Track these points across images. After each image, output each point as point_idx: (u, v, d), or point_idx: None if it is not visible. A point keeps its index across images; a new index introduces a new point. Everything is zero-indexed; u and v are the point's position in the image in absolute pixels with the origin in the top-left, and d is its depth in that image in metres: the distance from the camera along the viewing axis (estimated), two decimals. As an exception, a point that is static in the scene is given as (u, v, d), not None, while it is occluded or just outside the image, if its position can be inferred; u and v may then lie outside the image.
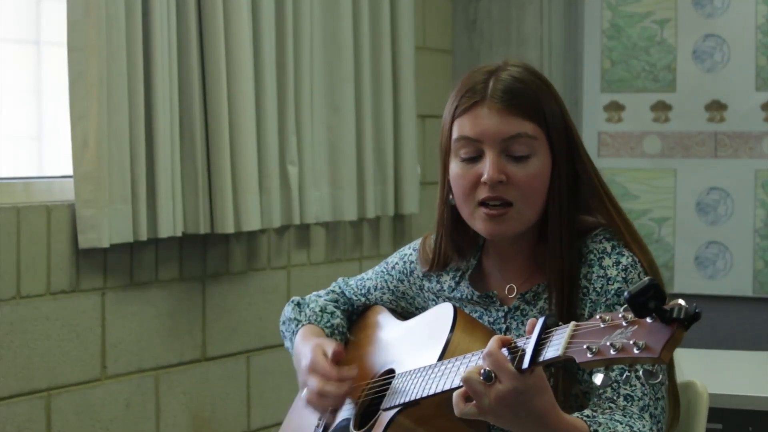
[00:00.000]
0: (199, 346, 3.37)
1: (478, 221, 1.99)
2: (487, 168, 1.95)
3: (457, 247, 2.09)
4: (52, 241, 2.96)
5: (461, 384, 1.74)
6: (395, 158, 3.92)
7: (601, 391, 1.87)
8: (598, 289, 1.94)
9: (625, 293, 1.53)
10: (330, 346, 2.12)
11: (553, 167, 1.98)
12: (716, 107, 4.09)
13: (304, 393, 2.12)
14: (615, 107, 4.20)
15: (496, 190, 1.95)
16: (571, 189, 2.00)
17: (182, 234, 3.22)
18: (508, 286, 2.05)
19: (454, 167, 2.01)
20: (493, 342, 1.70)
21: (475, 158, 1.98)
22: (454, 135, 2.01)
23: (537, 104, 1.97)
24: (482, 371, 1.69)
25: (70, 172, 3.00)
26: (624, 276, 1.93)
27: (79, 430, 3.04)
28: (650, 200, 4.17)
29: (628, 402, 1.85)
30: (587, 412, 1.84)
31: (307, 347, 2.16)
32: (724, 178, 4.08)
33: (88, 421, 3.06)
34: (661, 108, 4.16)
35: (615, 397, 1.86)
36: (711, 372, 3.12)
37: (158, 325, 3.24)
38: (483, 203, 1.97)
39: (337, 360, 2.10)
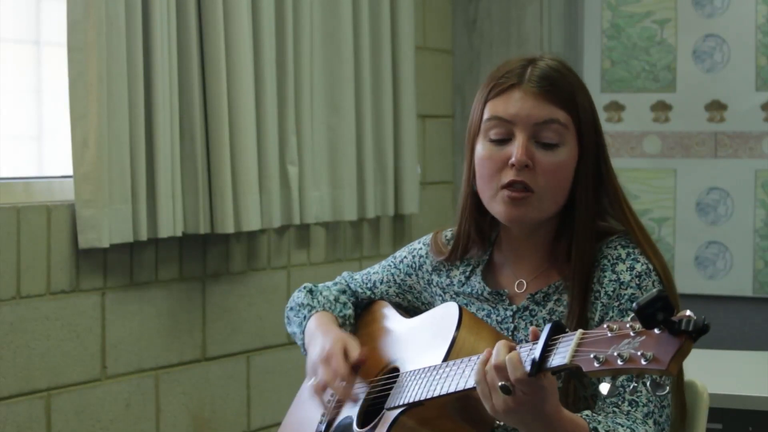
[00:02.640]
0: (199, 346, 3.37)
1: (498, 204, 1.98)
2: (516, 150, 1.95)
3: (480, 233, 2.08)
4: (52, 241, 2.96)
5: (467, 387, 1.76)
6: (395, 158, 3.92)
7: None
8: (610, 293, 1.94)
9: (634, 304, 1.52)
10: (354, 347, 2.11)
11: (580, 161, 1.99)
12: (716, 107, 4.09)
13: (311, 381, 2.12)
14: (615, 107, 4.20)
15: (522, 174, 1.95)
16: (596, 185, 2.00)
17: (182, 234, 3.22)
18: (517, 282, 2.05)
19: (481, 148, 2.00)
20: (501, 346, 1.72)
21: (504, 141, 1.98)
22: (486, 115, 2.00)
23: (571, 95, 1.98)
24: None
25: (70, 172, 3.00)
26: (638, 282, 1.93)
27: (79, 430, 3.04)
28: (650, 200, 4.17)
29: (632, 407, 1.86)
30: (587, 411, 1.85)
31: (327, 337, 2.14)
32: (724, 178, 4.08)
33: (88, 421, 3.06)
34: (661, 108, 4.16)
35: (620, 402, 1.87)
36: (711, 372, 3.11)
37: (158, 325, 3.24)
38: (509, 185, 1.96)
39: (356, 366, 2.09)
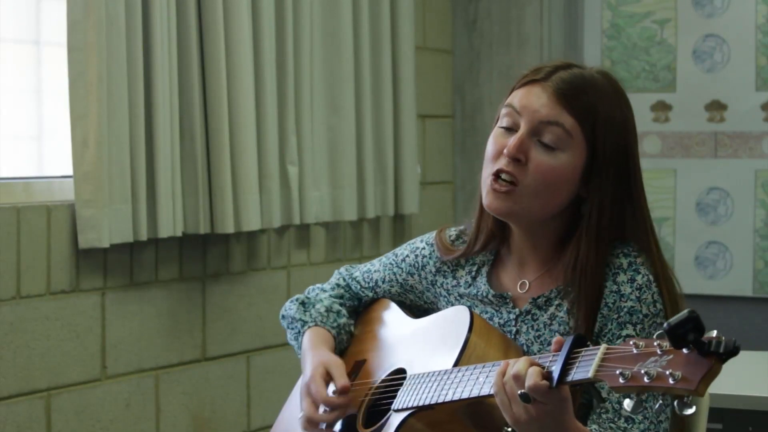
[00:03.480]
0: (199, 346, 3.37)
1: (484, 191, 1.98)
2: (511, 141, 1.95)
3: (500, 225, 2.06)
4: (52, 241, 2.96)
5: (482, 394, 1.77)
6: (395, 158, 3.91)
7: (602, 410, 1.87)
8: (610, 305, 1.93)
9: (665, 324, 1.51)
10: (337, 370, 2.09)
11: (592, 176, 1.95)
12: (716, 107, 4.09)
13: (299, 415, 2.11)
14: (615, 107, 4.20)
15: (511, 165, 1.94)
16: (614, 209, 1.97)
17: (182, 234, 3.22)
18: (520, 282, 2.04)
19: (491, 134, 2.02)
20: (524, 361, 1.72)
21: (511, 130, 1.98)
22: (505, 102, 2.01)
23: (591, 107, 1.95)
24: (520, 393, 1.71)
25: (70, 172, 3.00)
26: (638, 295, 1.92)
27: (79, 430, 3.04)
28: (650, 200, 4.12)
29: (629, 424, 1.85)
30: (595, 426, 1.85)
31: (310, 359, 2.14)
32: (724, 178, 4.08)
33: (88, 421, 3.06)
34: (661, 108, 4.16)
35: (616, 419, 1.86)
36: (711, 372, 3.11)
37: (158, 325, 3.24)
38: (496, 174, 1.96)
39: (342, 393, 2.07)
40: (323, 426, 2.09)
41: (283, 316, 2.30)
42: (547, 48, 4.18)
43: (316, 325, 2.22)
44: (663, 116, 4.16)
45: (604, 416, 1.87)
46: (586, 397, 1.91)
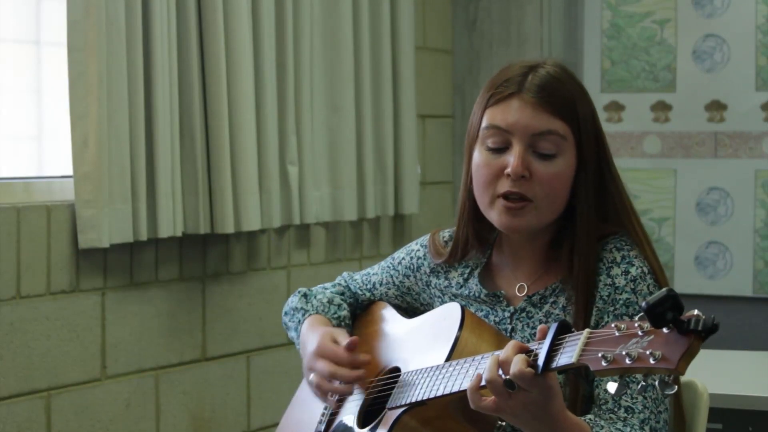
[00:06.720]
0: (199, 346, 3.37)
1: (495, 212, 1.98)
2: (512, 161, 1.95)
3: (478, 237, 2.08)
4: (52, 241, 2.96)
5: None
6: (395, 158, 3.92)
7: (602, 401, 1.88)
8: (605, 297, 1.94)
9: (643, 303, 1.52)
10: (342, 335, 2.12)
11: (579, 170, 1.98)
12: (716, 107, 4.09)
13: (311, 377, 2.12)
14: (615, 107, 4.20)
15: (518, 184, 1.95)
16: (598, 195, 2.00)
17: (182, 234, 3.22)
18: (518, 285, 2.05)
19: (478, 156, 2.00)
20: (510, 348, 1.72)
21: (502, 149, 1.97)
22: (484, 123, 1.99)
23: (571, 104, 1.97)
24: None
25: (70, 172, 3.00)
26: (633, 287, 1.93)
27: (79, 430, 3.04)
28: (650, 200, 4.17)
29: (628, 414, 1.86)
30: (590, 416, 1.85)
31: (314, 334, 2.15)
32: (724, 178, 4.08)
33: (88, 421, 3.06)
34: (661, 108, 4.16)
35: (616, 409, 1.87)
36: (711, 372, 3.11)
37: (158, 325, 3.24)
38: (503, 196, 1.96)
39: (352, 349, 2.09)
40: (334, 397, 2.10)
41: (286, 312, 2.31)
42: (547, 48, 4.18)
43: (317, 313, 2.24)
44: (663, 116, 4.16)
45: (603, 407, 1.88)
46: (588, 390, 1.91)
